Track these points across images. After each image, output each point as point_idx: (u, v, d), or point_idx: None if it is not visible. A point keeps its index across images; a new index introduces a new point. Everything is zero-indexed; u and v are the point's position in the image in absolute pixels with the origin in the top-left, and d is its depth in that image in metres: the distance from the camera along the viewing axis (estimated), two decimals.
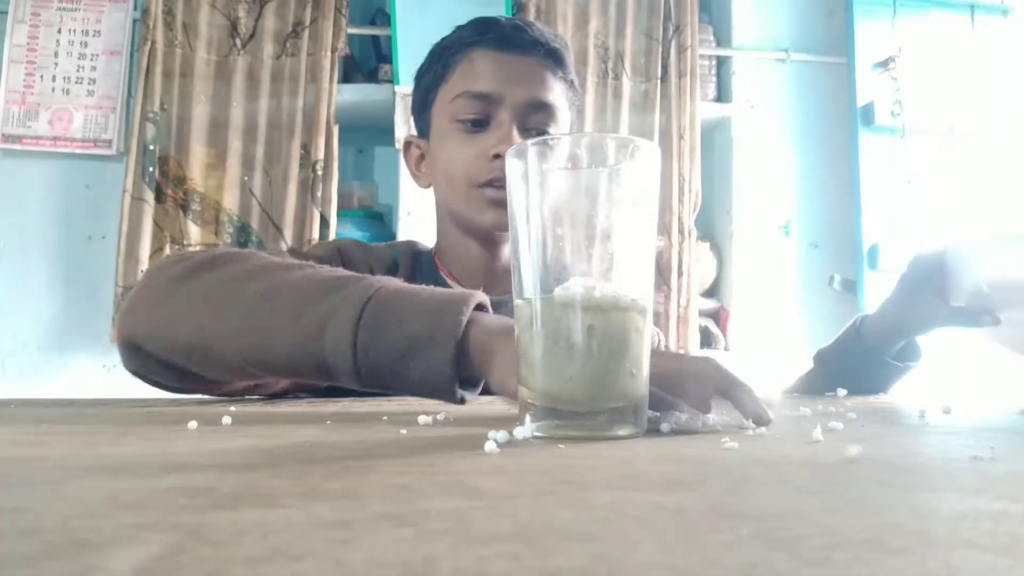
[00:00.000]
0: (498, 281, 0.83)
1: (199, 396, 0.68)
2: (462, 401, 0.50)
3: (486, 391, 0.51)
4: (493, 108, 0.78)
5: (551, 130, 0.80)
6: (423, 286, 0.53)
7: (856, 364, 0.84)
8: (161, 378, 0.60)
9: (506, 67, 0.78)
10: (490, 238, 0.82)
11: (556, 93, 0.80)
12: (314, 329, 0.51)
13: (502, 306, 0.80)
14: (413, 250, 0.88)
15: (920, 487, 0.25)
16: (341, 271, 0.56)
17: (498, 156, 0.76)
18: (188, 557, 0.16)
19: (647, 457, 0.31)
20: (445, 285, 0.82)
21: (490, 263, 0.83)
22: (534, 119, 0.79)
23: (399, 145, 1.90)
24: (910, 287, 0.81)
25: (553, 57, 0.81)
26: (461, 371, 0.48)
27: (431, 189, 0.87)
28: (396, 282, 0.53)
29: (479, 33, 0.81)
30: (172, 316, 0.56)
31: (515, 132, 0.77)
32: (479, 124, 0.79)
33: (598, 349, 0.36)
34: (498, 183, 0.76)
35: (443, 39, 0.84)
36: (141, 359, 0.59)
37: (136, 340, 0.58)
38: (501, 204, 0.75)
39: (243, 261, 0.57)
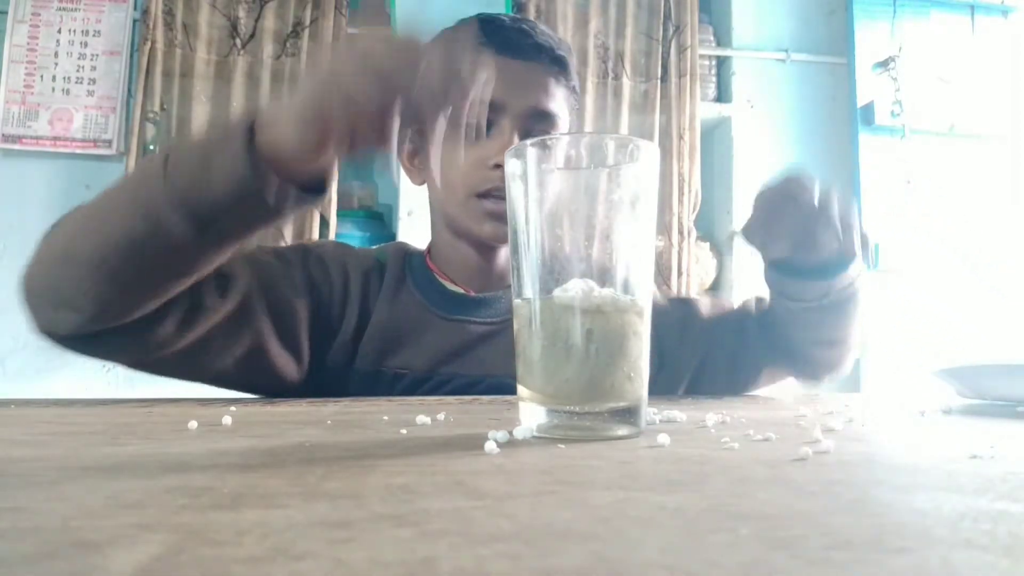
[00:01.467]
0: (493, 283, 0.83)
1: (199, 396, 0.68)
2: (279, 207, 0.54)
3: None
4: (494, 115, 0.76)
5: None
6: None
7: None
8: (65, 322, 0.62)
9: (509, 73, 0.76)
10: (485, 244, 0.81)
11: (558, 101, 0.79)
12: (134, 189, 0.57)
13: (495, 302, 0.81)
14: (403, 251, 0.86)
15: (920, 487, 0.25)
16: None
17: (498, 166, 0.74)
18: (188, 557, 0.16)
19: (647, 457, 0.31)
20: (437, 285, 0.81)
21: (484, 266, 0.82)
22: (535, 128, 0.77)
23: None
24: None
25: (558, 63, 0.79)
26: (258, 169, 0.52)
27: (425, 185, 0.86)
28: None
29: (483, 35, 0.78)
30: (44, 250, 0.62)
31: (516, 141, 0.75)
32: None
33: (596, 352, 0.36)
34: (497, 193, 0.75)
35: (444, 33, 0.81)
36: (41, 309, 0.63)
37: (27, 287, 0.63)
38: (500, 216, 0.75)
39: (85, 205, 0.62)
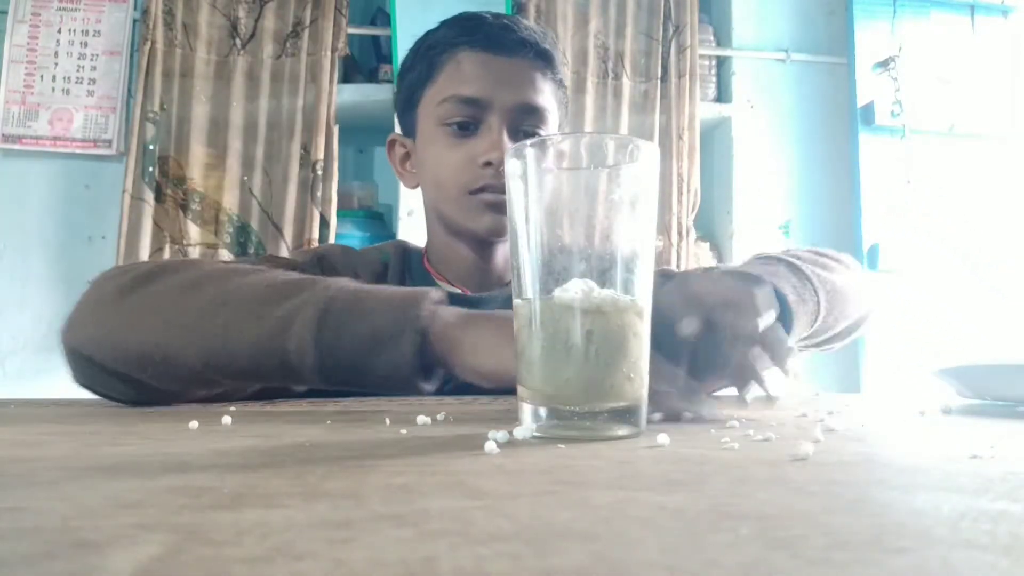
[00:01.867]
0: (489, 283, 0.83)
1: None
2: (422, 393, 0.52)
3: (456, 387, 0.52)
4: (482, 113, 0.76)
5: (541, 131, 0.78)
6: (380, 285, 0.55)
7: None
8: (113, 391, 0.58)
9: (495, 70, 0.76)
10: (482, 242, 0.80)
11: (546, 95, 0.79)
12: (277, 329, 0.51)
13: (491, 301, 0.80)
14: (403, 249, 0.86)
15: (920, 487, 0.25)
16: (296, 274, 0.57)
17: (488, 163, 0.74)
18: (188, 557, 0.16)
19: (647, 457, 0.31)
20: (434, 285, 0.81)
21: (481, 265, 0.82)
22: (524, 122, 0.77)
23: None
24: None
25: (543, 58, 0.79)
26: (424, 363, 0.50)
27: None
28: (353, 282, 0.54)
29: (466, 33, 0.78)
30: (122, 326, 0.55)
31: (505, 137, 0.75)
32: (467, 128, 0.77)
33: (596, 353, 0.36)
34: (491, 188, 0.75)
35: (427, 35, 0.82)
36: (91, 371, 0.57)
37: (84, 351, 0.56)
38: (497, 208, 0.75)
39: (191, 269, 0.57)
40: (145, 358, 0.54)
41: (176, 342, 0.53)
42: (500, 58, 0.77)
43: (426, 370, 0.52)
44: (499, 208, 0.74)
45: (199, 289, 0.54)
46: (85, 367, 0.57)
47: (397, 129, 0.91)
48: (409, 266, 0.85)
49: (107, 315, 0.56)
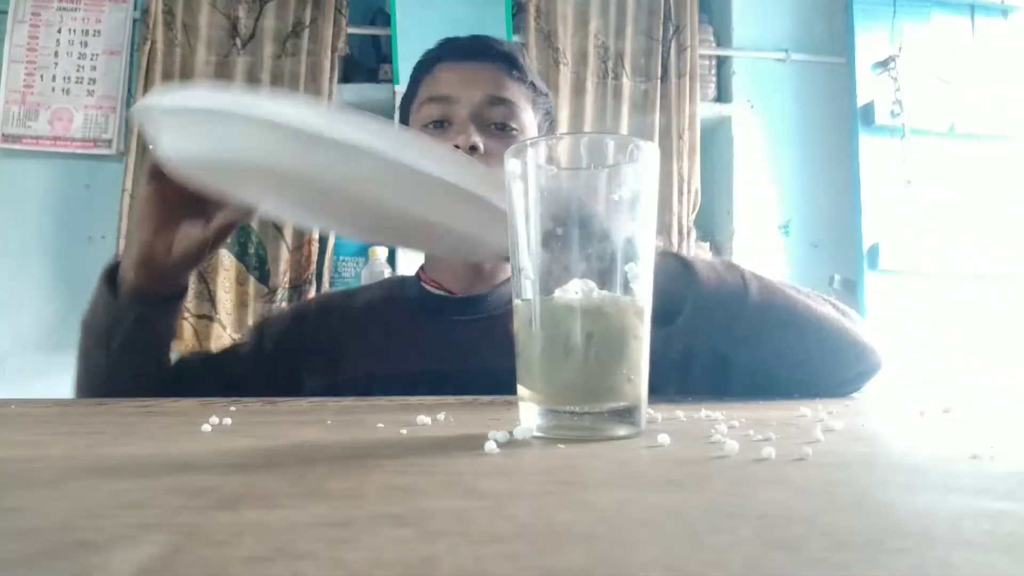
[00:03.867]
0: (479, 282, 0.86)
1: (199, 396, 0.68)
2: (118, 303, 0.69)
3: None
4: (451, 109, 0.82)
5: (513, 124, 0.82)
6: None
7: None
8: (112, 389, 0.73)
9: (462, 72, 0.83)
10: None
11: (512, 91, 0.84)
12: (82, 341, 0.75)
13: (481, 300, 0.82)
14: (398, 279, 0.95)
15: (920, 487, 0.25)
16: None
17: (456, 148, 0.78)
18: (188, 557, 0.16)
19: (647, 457, 0.31)
20: (426, 293, 0.87)
21: (471, 264, 0.85)
22: (492, 114, 0.82)
23: None
24: None
25: (508, 60, 0.85)
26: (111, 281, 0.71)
27: None
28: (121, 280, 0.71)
29: (441, 49, 0.87)
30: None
31: (472, 127, 0.80)
32: (441, 125, 0.83)
33: (596, 354, 0.36)
34: None
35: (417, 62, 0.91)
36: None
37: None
38: None
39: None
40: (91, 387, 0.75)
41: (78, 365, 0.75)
42: (466, 63, 0.84)
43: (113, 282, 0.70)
44: None
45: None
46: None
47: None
48: (404, 285, 0.90)
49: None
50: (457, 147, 0.78)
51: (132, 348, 0.71)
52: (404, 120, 0.90)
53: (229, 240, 2.02)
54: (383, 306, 0.87)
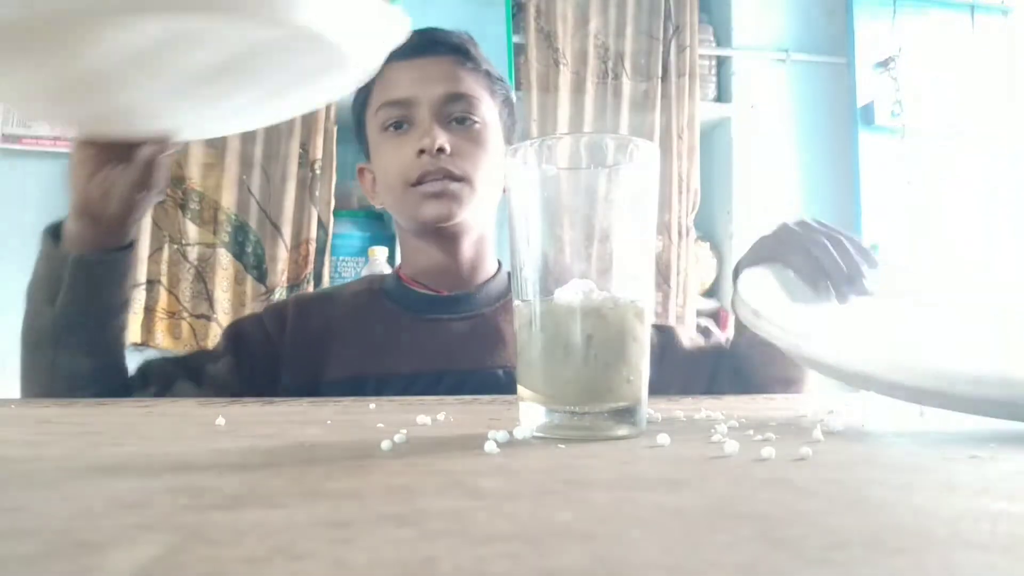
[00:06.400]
0: (462, 281, 0.85)
1: (199, 396, 0.68)
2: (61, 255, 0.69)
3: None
4: (411, 111, 0.80)
5: (475, 117, 0.81)
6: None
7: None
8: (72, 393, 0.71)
9: (415, 70, 0.81)
10: (442, 235, 0.83)
11: (469, 84, 0.83)
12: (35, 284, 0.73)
13: (467, 298, 0.83)
14: (376, 278, 0.92)
15: (920, 487, 0.25)
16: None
17: (422, 151, 0.78)
18: (188, 557, 0.16)
19: (647, 457, 0.31)
20: (409, 291, 0.85)
21: (450, 263, 0.84)
22: (452, 110, 0.81)
23: None
24: None
25: (459, 52, 0.83)
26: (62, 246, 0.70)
27: None
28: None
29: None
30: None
31: (435, 127, 0.79)
32: (401, 126, 0.81)
33: (595, 356, 0.36)
34: (430, 177, 0.79)
35: None
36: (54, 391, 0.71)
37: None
38: (437, 196, 0.79)
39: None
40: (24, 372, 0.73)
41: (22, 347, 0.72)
42: (418, 59, 0.82)
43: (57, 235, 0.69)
44: (439, 196, 0.79)
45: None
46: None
47: None
48: (384, 284, 0.88)
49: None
50: (422, 151, 0.78)
51: (77, 312, 0.68)
52: (356, 123, 0.88)
53: (227, 239, 2.02)
54: (367, 306, 0.85)
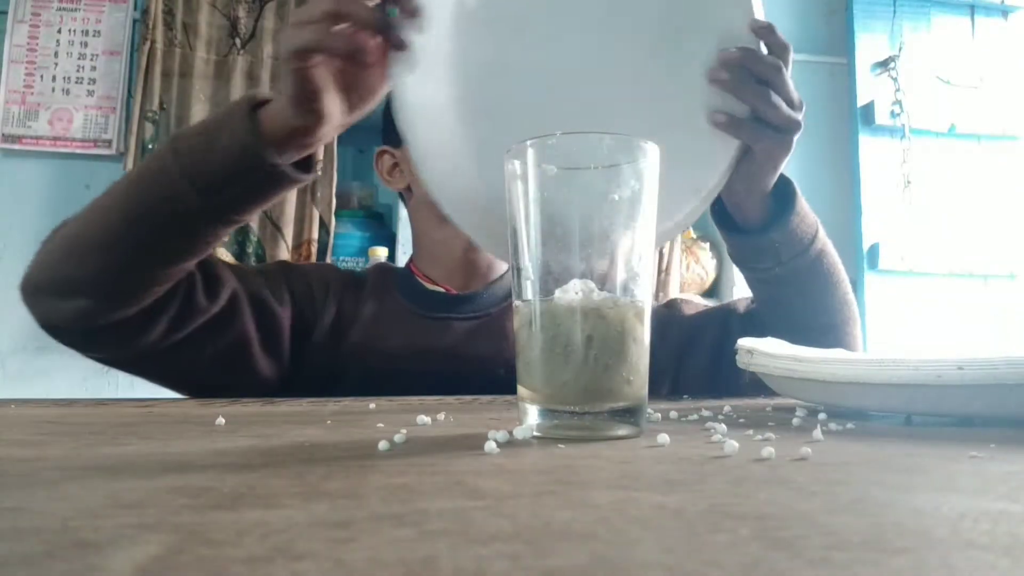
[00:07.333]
0: (478, 279, 0.85)
1: (197, 398, 0.68)
2: (275, 168, 0.60)
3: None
4: None
5: None
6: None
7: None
8: (69, 311, 0.65)
9: None
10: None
11: None
12: (142, 170, 0.63)
13: (476, 298, 0.83)
14: (387, 268, 0.91)
15: (920, 487, 0.25)
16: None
17: None
18: (188, 557, 0.16)
19: (647, 457, 0.31)
20: (421, 289, 0.84)
21: (471, 259, 0.84)
22: None
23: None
24: None
25: None
26: (260, 137, 0.59)
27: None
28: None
29: None
30: (47, 250, 0.67)
31: None
32: None
33: (595, 357, 0.36)
34: None
35: None
36: (44, 302, 0.67)
37: (29, 288, 0.68)
38: None
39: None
40: (69, 254, 0.64)
41: (85, 230, 0.64)
42: None
43: (264, 142, 0.59)
44: None
45: (96, 199, 0.65)
46: (39, 297, 0.67)
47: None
48: (396, 277, 0.87)
49: (42, 249, 0.68)
50: None
51: (227, 208, 0.62)
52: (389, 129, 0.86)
53: (227, 239, 2.02)
54: (382, 295, 0.84)
